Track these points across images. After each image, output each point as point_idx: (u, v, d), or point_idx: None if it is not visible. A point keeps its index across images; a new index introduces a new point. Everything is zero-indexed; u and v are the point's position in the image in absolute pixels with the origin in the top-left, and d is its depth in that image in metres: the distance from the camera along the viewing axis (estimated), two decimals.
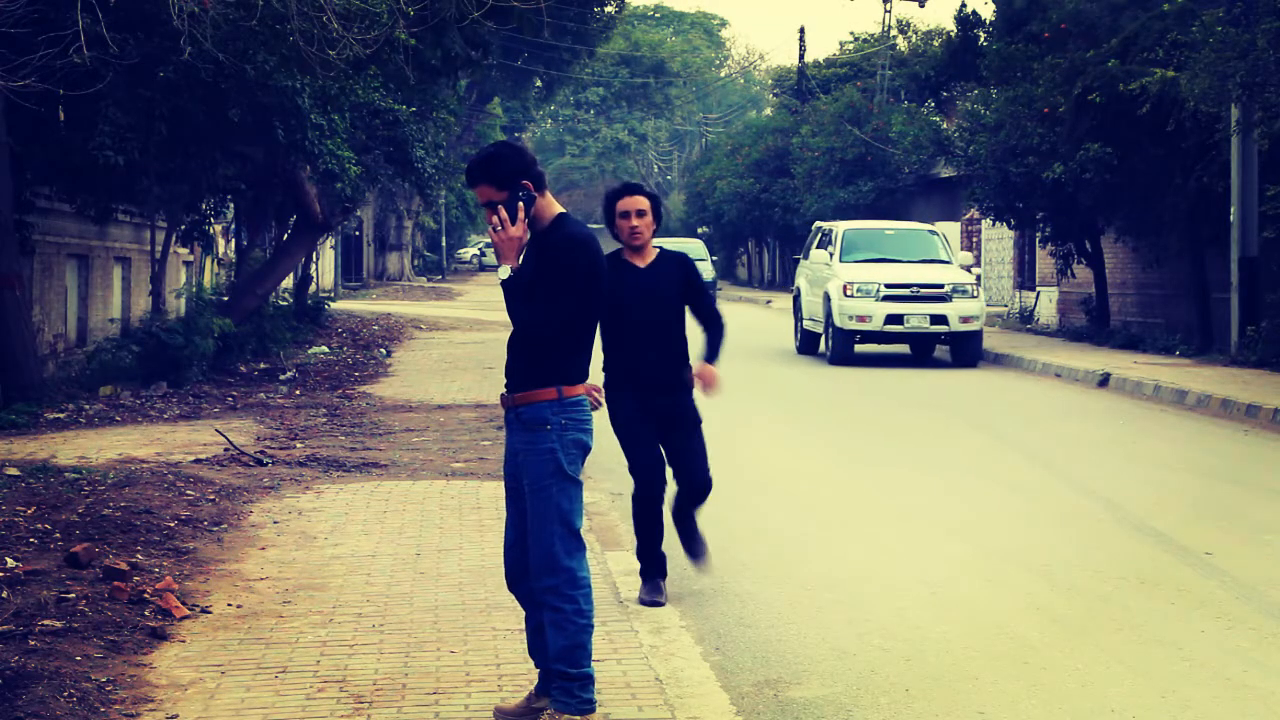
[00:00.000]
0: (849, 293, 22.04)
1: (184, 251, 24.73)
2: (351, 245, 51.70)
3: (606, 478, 11.43)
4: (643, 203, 7.45)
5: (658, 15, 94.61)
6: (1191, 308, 24.01)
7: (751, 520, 10.04)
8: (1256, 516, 10.24)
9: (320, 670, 6.27)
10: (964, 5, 36.78)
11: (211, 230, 23.77)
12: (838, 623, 7.32)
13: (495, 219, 5.32)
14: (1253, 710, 6.05)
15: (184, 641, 6.71)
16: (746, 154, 53.85)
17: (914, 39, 49.18)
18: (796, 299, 25.22)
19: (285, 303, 26.07)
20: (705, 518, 10.84)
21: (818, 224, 26.28)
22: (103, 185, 16.70)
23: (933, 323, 21.99)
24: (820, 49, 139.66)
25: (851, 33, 68.42)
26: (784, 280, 59.24)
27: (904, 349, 24.12)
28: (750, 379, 19.31)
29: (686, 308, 7.63)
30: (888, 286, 22.04)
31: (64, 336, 19.15)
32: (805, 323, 24.41)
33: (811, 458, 13.25)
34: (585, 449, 5.48)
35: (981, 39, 35.01)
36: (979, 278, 23.46)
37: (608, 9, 48.89)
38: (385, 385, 18.71)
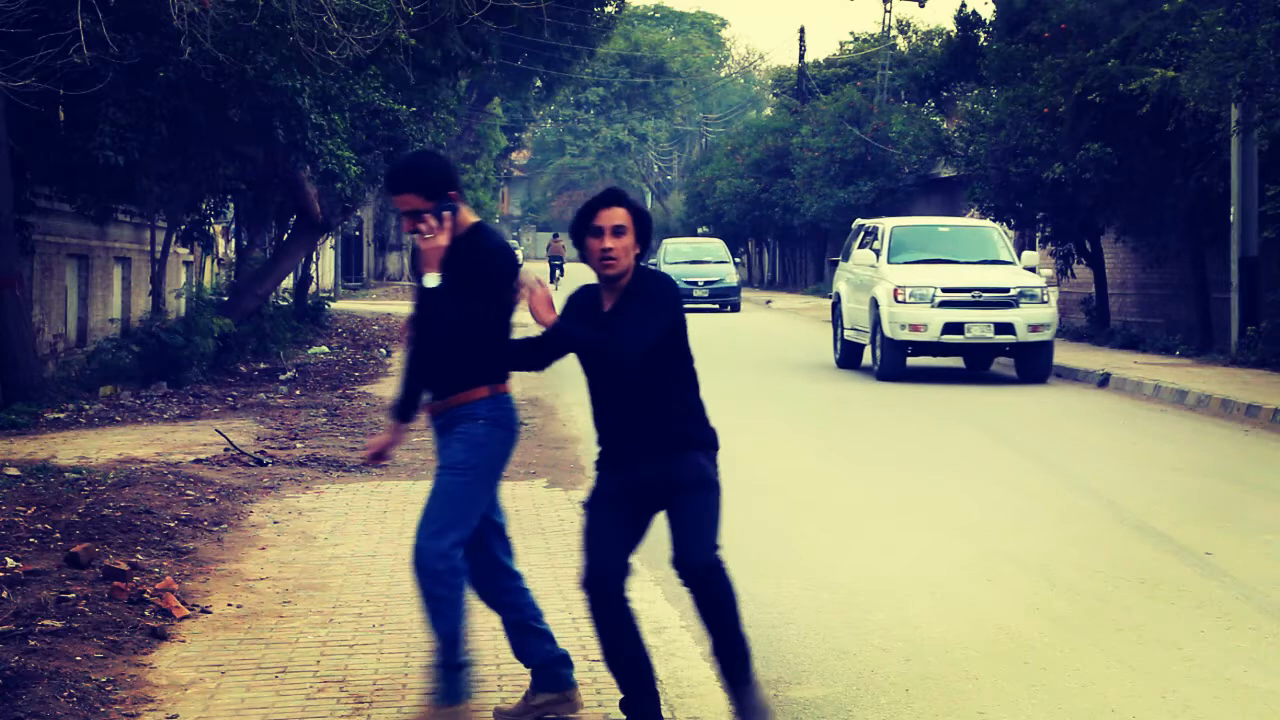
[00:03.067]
0: (900, 298, 19.49)
1: (184, 251, 24.74)
2: (351, 245, 51.67)
3: None
4: (620, 216, 5.33)
5: (658, 15, 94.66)
6: (1191, 308, 24.01)
7: (751, 520, 10.04)
8: (1256, 516, 10.24)
9: (320, 670, 6.27)
10: (964, 5, 36.80)
11: (211, 230, 23.78)
12: (838, 623, 7.32)
13: (425, 227, 5.37)
14: (1253, 710, 6.05)
15: (184, 641, 6.71)
16: (746, 154, 53.84)
17: (914, 39, 49.18)
18: (836, 306, 22.27)
19: (285, 303, 26.07)
20: None
21: (859, 221, 23.61)
22: (103, 185, 16.70)
23: (997, 332, 19.39)
24: (820, 49, 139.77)
25: (851, 33, 68.45)
26: (784, 280, 59.27)
27: (957, 361, 21.47)
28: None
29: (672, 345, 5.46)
30: (945, 291, 19.47)
31: (64, 336, 19.16)
32: (846, 332, 21.61)
33: (810, 458, 13.26)
34: (511, 444, 5.60)
35: (981, 39, 35.04)
36: (1049, 280, 20.35)
37: (608, 9, 48.85)
38: (385, 385, 18.70)
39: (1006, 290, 19.58)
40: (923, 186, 42.65)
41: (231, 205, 24.15)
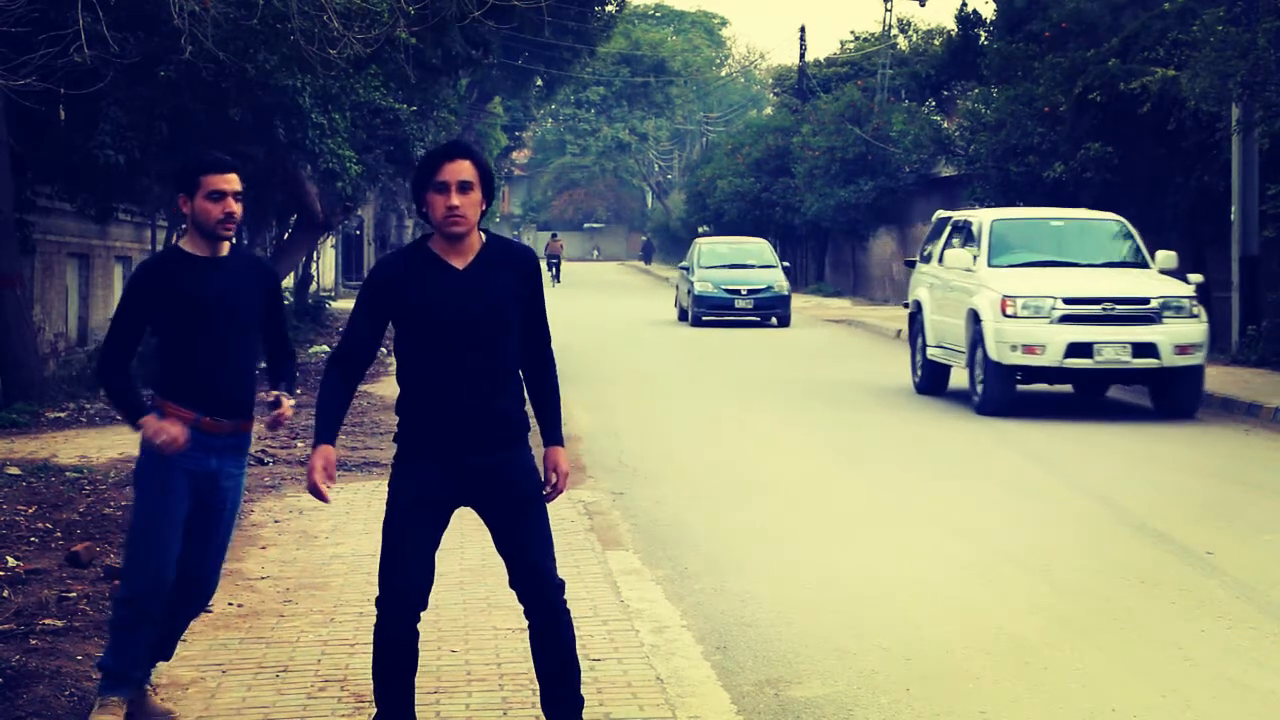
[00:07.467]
0: (1009, 311, 15.57)
1: None
2: (352, 244, 51.69)
3: (607, 477, 11.44)
4: (468, 170, 4.96)
5: (658, 14, 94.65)
6: None
7: (751, 520, 10.04)
8: (1256, 516, 10.25)
9: (321, 669, 6.28)
10: (964, 4, 36.80)
11: None
12: (838, 623, 7.32)
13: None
14: (1253, 710, 6.06)
15: (184, 641, 6.70)
16: (747, 153, 53.82)
17: (915, 38, 49.17)
18: (914, 318, 18.51)
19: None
20: (703, 517, 10.88)
21: (942, 213, 19.87)
22: (103, 184, 16.70)
23: (1135, 354, 15.35)
24: (821, 48, 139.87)
25: (852, 32, 68.43)
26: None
27: (1065, 388, 17.50)
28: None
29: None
30: (1067, 302, 15.54)
31: (65, 336, 19.17)
32: (930, 351, 17.78)
33: (810, 457, 13.26)
34: None
35: (982, 38, 35.05)
36: (1199, 288, 16.74)
37: (608, 8, 48.83)
38: (385, 385, 18.71)
39: (1146, 301, 15.68)
40: (923, 186, 42.61)
41: None
